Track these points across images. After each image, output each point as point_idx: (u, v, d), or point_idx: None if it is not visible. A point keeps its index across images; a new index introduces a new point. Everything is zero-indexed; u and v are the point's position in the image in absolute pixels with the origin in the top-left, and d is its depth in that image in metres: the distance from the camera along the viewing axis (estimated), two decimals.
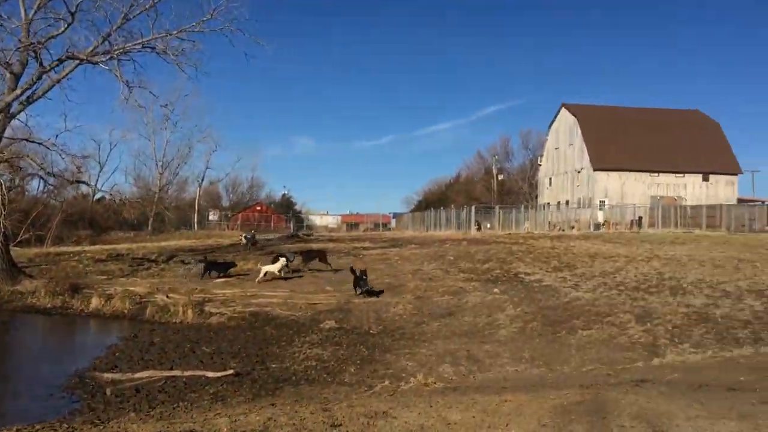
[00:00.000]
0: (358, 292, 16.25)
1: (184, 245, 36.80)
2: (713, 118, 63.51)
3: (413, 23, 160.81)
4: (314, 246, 32.27)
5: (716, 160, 59.07)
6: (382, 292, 16.74)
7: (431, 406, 5.65)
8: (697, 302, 13.74)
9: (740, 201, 56.53)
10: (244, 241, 33.40)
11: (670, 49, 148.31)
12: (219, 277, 21.15)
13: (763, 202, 55.11)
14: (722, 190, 58.35)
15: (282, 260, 20.21)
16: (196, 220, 67.44)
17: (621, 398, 5.83)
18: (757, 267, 18.52)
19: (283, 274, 20.37)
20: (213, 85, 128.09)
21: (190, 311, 15.11)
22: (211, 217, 72.54)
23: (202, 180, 74.07)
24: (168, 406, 7.69)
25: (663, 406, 5.52)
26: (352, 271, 17.08)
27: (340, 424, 5.03)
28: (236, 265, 22.72)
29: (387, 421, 5.11)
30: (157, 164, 65.72)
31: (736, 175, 59.55)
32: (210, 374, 9.58)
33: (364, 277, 16.35)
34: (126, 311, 16.12)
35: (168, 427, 5.05)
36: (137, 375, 9.62)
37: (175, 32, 21.52)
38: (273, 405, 6.44)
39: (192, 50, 22.21)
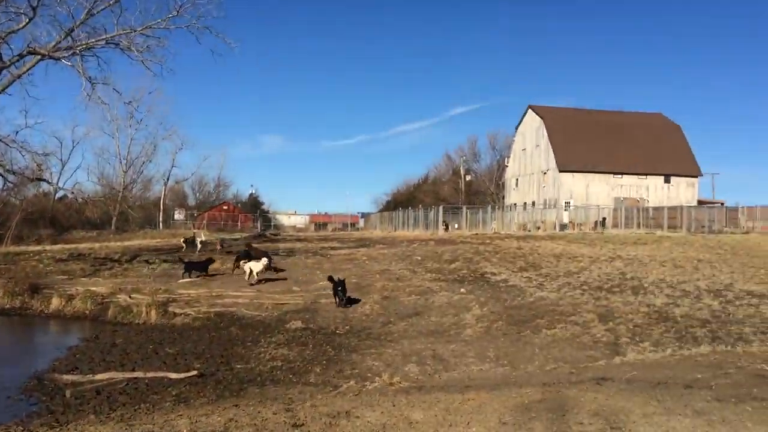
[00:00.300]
0: (337, 303, 15.52)
1: (148, 245, 36.28)
2: (675, 121, 64.97)
3: (382, 25, 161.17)
4: (280, 246, 32.13)
5: (677, 162, 60.44)
6: (359, 300, 16.22)
7: (394, 406, 5.67)
8: (658, 302, 14.03)
9: (700, 203, 57.93)
10: (184, 246, 32.22)
11: (635, 53, 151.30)
12: (200, 276, 20.93)
13: (722, 204, 56.63)
14: (683, 192, 59.72)
15: (264, 260, 19.88)
16: (161, 219, 66.53)
17: (581, 396, 5.92)
18: (716, 267, 19.00)
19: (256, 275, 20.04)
20: (180, 82, 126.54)
21: (153, 312, 14.90)
22: (176, 217, 71.68)
23: (168, 179, 73.20)
24: (129, 408, 7.57)
25: (621, 403, 5.63)
26: (330, 279, 16.34)
27: (302, 424, 5.02)
28: (214, 261, 22.60)
29: (350, 421, 5.11)
30: (121, 162, 64.76)
31: (696, 177, 60.97)
32: (173, 375, 9.46)
33: (340, 288, 15.54)
34: (87, 312, 15.83)
35: (127, 429, 4.97)
36: (98, 377, 9.45)
37: (140, 29, 21.25)
38: (236, 406, 6.39)
39: (157, 47, 21.97)
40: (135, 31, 21.20)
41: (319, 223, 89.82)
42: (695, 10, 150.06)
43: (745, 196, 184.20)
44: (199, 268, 21.48)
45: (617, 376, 7.78)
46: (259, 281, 19.47)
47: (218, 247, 30.78)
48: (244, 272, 19.76)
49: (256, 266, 19.55)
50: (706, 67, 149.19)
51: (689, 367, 8.62)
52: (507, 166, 72.80)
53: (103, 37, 21.11)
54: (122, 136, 64.90)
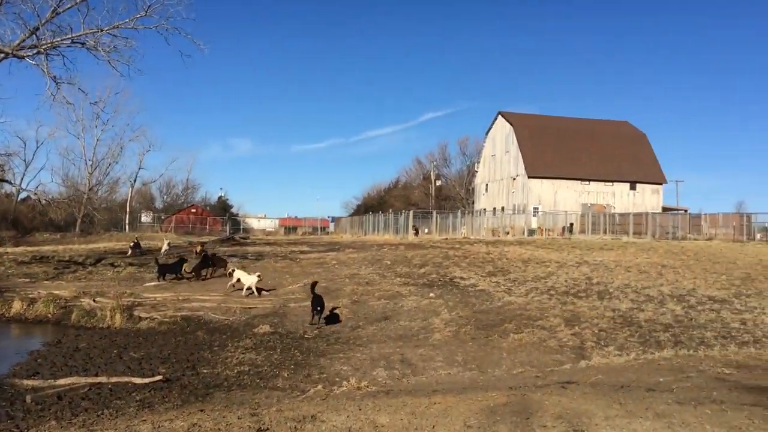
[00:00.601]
0: (315, 322, 13.88)
1: (114, 248, 35.70)
2: (641, 129, 66.24)
3: (354, 30, 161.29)
4: (249, 249, 31.86)
5: (643, 169, 61.62)
6: (338, 321, 14.49)
7: (360, 409, 5.66)
8: (623, 306, 14.26)
9: (665, 209, 59.13)
10: (130, 251, 31.27)
11: (603, 62, 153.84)
12: (174, 278, 20.68)
13: (686, 210, 57.85)
14: (648, 198, 60.88)
15: (258, 274, 18.38)
16: (127, 221, 65.45)
17: (545, 399, 5.99)
18: (679, 273, 19.40)
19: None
20: (148, 84, 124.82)
21: (118, 316, 14.63)
22: (143, 219, 70.60)
23: (135, 180, 72.12)
24: (92, 414, 7.43)
25: (584, 406, 5.71)
26: (313, 291, 14.42)
27: (267, 429, 4.98)
28: (187, 260, 22.38)
29: (315, 425, 5.10)
30: (86, 163, 63.60)
31: (661, 184, 62.21)
32: (137, 380, 9.31)
33: (319, 308, 13.84)
34: (50, 316, 15.49)
35: None
36: (60, 381, 9.25)
37: (106, 28, 20.93)
38: (202, 411, 6.31)
39: (125, 47, 21.65)
40: (102, 30, 20.88)
41: (289, 226, 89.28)
42: (662, 21, 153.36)
43: (708, 203, 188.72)
44: (172, 269, 21.21)
45: (582, 379, 7.89)
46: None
47: (197, 249, 27.88)
48: (233, 284, 18.55)
49: (248, 279, 18.08)
50: (672, 75, 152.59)
51: (652, 370, 8.78)
52: (477, 171, 73.38)
53: (69, 36, 20.75)
54: (88, 136, 63.85)
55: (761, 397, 6.49)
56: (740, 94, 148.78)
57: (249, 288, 17.89)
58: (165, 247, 31.55)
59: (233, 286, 18.49)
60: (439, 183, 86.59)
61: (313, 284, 14.86)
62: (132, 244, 32.86)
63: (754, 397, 6.51)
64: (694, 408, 5.84)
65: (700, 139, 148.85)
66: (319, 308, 13.93)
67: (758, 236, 41.91)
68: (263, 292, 18.07)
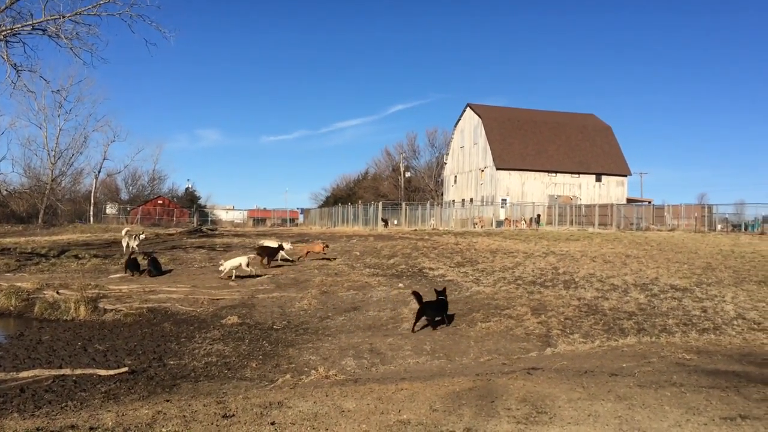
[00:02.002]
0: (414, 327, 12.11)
1: (78, 239, 35.05)
2: (606, 122, 67.24)
3: (321, 21, 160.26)
4: (217, 241, 31.56)
5: (608, 162, 62.59)
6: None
7: (327, 396, 5.69)
8: (588, 295, 14.51)
9: (629, 201, 60.23)
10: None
11: (571, 55, 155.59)
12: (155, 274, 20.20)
13: (649, 202, 59.01)
14: (613, 190, 61.90)
15: (244, 258, 19.35)
16: (92, 213, 64.25)
17: (510, 384, 6.09)
18: (643, 262, 19.78)
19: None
20: (112, 73, 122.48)
21: (82, 308, 14.39)
22: (108, 211, 69.38)
23: (99, 171, 70.85)
24: (55, 406, 7.32)
25: (548, 390, 5.82)
26: (417, 297, 12.38)
27: (233, 415, 4.97)
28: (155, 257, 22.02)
29: (281, 411, 5.10)
30: (49, 154, 62.17)
31: (626, 176, 63.28)
32: (102, 372, 9.19)
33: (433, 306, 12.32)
34: (12, 308, 15.18)
35: (48, 424, 4.80)
36: (22, 374, 9.08)
37: (68, 15, 20.42)
38: (168, 401, 6.27)
39: (87, 35, 21.17)
40: (64, 17, 20.38)
41: (258, 218, 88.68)
42: (626, 15, 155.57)
43: (671, 195, 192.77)
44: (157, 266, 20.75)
45: (547, 365, 8.03)
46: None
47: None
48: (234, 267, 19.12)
49: (235, 262, 19.06)
50: (636, 69, 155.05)
51: (615, 356, 8.97)
52: (446, 163, 73.72)
53: (30, 22, 20.23)
54: (50, 126, 62.45)
55: (719, 380, 6.69)
56: (703, 88, 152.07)
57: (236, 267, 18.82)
58: (133, 243, 26.63)
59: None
60: (408, 175, 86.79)
61: (416, 294, 12.62)
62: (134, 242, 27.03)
63: (712, 380, 6.71)
64: (654, 391, 5.99)
65: (663, 132, 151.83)
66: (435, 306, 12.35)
67: (719, 227, 42.94)
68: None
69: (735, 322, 11.68)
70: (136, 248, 25.91)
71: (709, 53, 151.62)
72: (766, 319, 11.83)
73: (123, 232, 29.30)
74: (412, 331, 12.09)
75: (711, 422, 4.97)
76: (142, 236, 27.71)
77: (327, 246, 24.15)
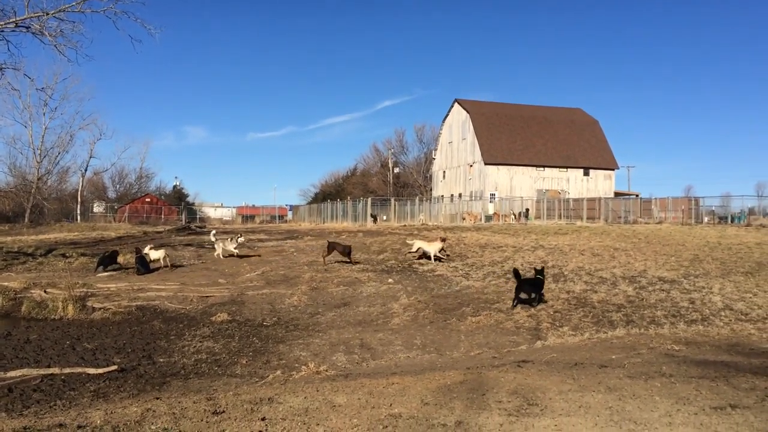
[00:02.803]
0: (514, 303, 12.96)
1: (65, 238, 34.78)
2: (593, 116, 67.54)
3: (310, 17, 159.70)
4: (206, 239, 31.41)
5: (596, 156, 62.89)
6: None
7: (318, 391, 5.67)
8: (577, 288, 14.58)
9: (617, 194, 60.58)
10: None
11: (558, 49, 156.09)
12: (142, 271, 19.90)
13: (637, 195, 59.35)
14: (601, 184, 62.22)
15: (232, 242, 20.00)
16: (79, 211, 63.74)
17: (501, 377, 6.10)
18: (631, 255, 19.90)
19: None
20: (98, 71, 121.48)
21: (70, 307, 14.26)
22: (95, 209, 68.90)
23: (86, 170, 70.33)
24: (44, 405, 7.25)
25: (539, 382, 5.84)
26: (516, 275, 13.28)
27: (223, 411, 4.94)
28: (119, 253, 21.90)
29: (272, 407, 5.07)
30: (34, 152, 61.43)
31: (613, 170, 63.61)
32: (91, 371, 9.11)
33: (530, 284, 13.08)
34: None
35: (36, 423, 4.75)
36: (10, 374, 8.99)
37: (52, 12, 20.21)
38: (158, 398, 6.22)
39: (72, 32, 20.95)
40: (47, 14, 20.16)
41: (247, 215, 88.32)
42: (612, 11, 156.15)
43: (658, 188, 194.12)
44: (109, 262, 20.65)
45: (537, 358, 8.06)
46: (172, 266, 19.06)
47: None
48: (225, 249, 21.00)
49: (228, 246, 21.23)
50: (623, 64, 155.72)
51: (605, 348, 9.02)
52: (434, 158, 73.77)
53: (13, 20, 20.00)
54: (36, 124, 61.70)
55: (708, 370, 6.73)
56: (689, 83, 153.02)
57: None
58: (231, 246, 23.79)
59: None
60: (396, 170, 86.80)
61: (515, 271, 13.55)
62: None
63: (701, 370, 6.75)
64: (644, 382, 6.03)
65: (650, 126, 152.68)
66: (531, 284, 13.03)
67: (706, 219, 43.28)
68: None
69: (723, 313, 11.78)
70: (235, 251, 23.49)
71: (695, 48, 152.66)
72: (753, 310, 11.94)
73: (211, 236, 25.98)
74: (512, 307, 12.79)
75: (701, 412, 5.01)
76: (241, 239, 24.40)
77: (445, 240, 21.46)
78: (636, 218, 44.20)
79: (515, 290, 13.03)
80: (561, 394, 5.39)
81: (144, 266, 20.09)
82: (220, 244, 23.33)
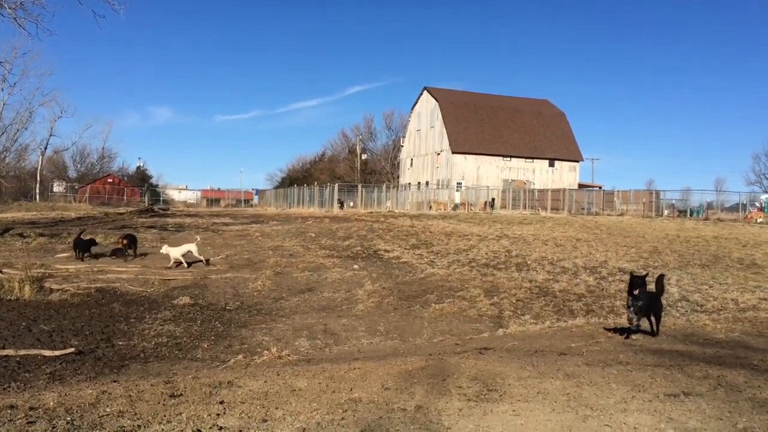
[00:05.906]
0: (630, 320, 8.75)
1: (23, 217, 33.93)
2: (560, 108, 68.31)
3: (282, 1, 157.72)
4: (169, 221, 30.96)
5: (562, 147, 63.69)
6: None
7: (278, 375, 5.65)
8: (540, 278, 14.78)
9: (581, 186, 61.47)
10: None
11: (527, 41, 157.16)
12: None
13: (600, 187, 60.32)
14: (566, 175, 63.08)
15: (189, 246, 17.84)
16: (38, 191, 62.20)
17: (462, 363, 6.16)
18: (592, 246, 20.25)
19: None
20: (60, 46, 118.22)
21: (27, 287, 13.89)
22: (55, 189, 67.34)
23: (45, 148, 68.60)
24: None
25: (499, 369, 5.92)
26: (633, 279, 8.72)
27: (181, 394, 4.88)
28: (97, 243, 20.92)
29: (231, 390, 5.03)
30: None
31: (578, 162, 64.54)
32: (47, 353, 8.92)
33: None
34: None
35: None
36: None
37: None
38: (115, 381, 6.13)
39: (33, 5, 20.30)
40: None
41: (212, 198, 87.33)
42: (579, 3, 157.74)
43: (621, 181, 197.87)
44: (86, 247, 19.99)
45: (499, 345, 8.15)
46: (142, 255, 18.70)
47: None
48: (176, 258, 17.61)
49: (179, 251, 17.64)
50: (589, 56, 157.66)
51: (565, 337, 9.17)
52: (402, 146, 73.83)
53: None
54: None
55: (663, 359, 6.90)
56: (653, 78, 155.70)
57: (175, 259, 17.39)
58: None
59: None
60: (364, 157, 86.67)
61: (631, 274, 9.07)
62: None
63: (656, 358, 6.92)
64: (602, 369, 6.15)
65: (614, 119, 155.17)
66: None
67: (666, 212, 44.27)
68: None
69: (679, 304, 12.06)
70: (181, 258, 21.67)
71: (660, 44, 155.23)
72: (708, 302, 12.26)
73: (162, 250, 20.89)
74: (626, 337, 8.79)
75: (655, 399, 5.12)
76: (198, 239, 20.32)
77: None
78: (599, 210, 44.96)
79: (631, 305, 8.55)
80: (520, 381, 5.46)
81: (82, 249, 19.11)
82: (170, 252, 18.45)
